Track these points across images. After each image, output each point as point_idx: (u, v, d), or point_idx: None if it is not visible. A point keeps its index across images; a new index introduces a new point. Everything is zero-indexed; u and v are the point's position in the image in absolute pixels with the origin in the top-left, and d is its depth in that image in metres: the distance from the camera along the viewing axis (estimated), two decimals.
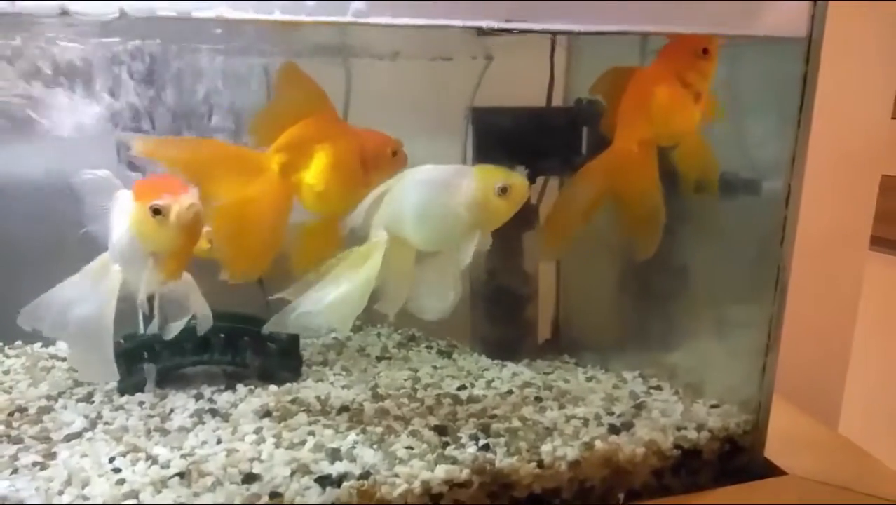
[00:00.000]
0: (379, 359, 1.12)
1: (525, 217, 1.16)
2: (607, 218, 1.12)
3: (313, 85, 0.79)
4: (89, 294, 0.77)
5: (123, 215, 0.73)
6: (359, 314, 0.77)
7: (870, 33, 1.46)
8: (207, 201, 0.72)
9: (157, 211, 0.69)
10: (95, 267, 0.79)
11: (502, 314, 1.17)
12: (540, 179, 1.17)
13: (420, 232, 0.75)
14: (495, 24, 0.67)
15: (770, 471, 0.88)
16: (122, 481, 0.74)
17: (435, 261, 0.77)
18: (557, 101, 1.16)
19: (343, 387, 0.99)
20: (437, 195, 0.74)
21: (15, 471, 0.76)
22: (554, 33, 0.90)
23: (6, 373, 1.02)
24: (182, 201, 0.68)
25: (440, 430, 0.85)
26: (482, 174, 0.73)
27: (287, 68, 0.78)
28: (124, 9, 0.60)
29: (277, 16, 0.58)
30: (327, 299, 0.74)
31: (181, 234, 0.70)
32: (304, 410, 0.91)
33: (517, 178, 0.74)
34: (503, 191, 0.72)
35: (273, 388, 0.98)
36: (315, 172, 0.77)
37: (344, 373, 1.05)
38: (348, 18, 0.59)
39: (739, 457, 0.88)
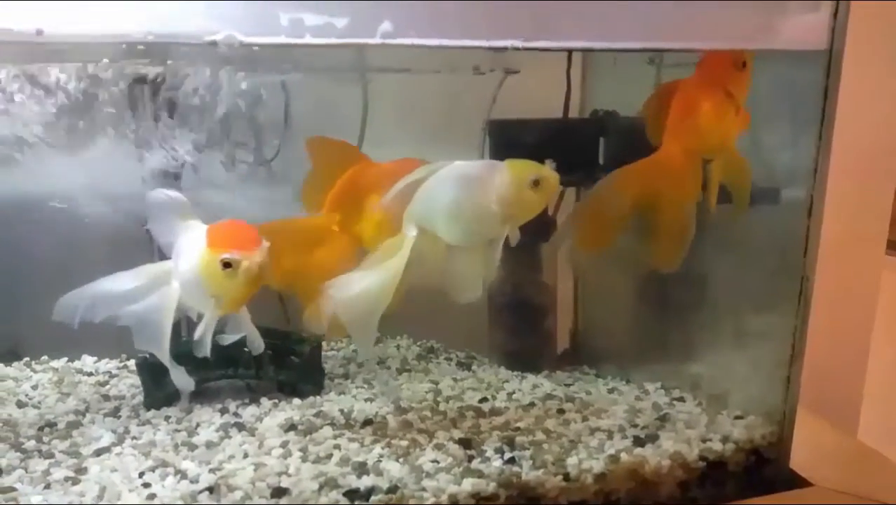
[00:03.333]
0: (399, 371, 1.13)
1: (543, 228, 1.18)
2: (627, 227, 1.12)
3: (342, 144, 0.87)
4: (144, 296, 0.79)
5: (192, 249, 0.74)
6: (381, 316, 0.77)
7: (885, 38, 1.46)
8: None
9: (227, 264, 0.70)
10: (156, 271, 0.81)
11: (521, 325, 1.18)
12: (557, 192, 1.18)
13: (452, 228, 0.76)
14: (518, 44, 0.68)
15: (795, 482, 0.87)
16: (152, 496, 0.75)
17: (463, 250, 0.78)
18: (574, 112, 1.17)
19: (366, 400, 1.00)
20: (470, 191, 0.74)
21: (48, 486, 0.77)
22: (572, 50, 0.91)
23: (34, 388, 1.04)
24: (252, 258, 0.70)
25: (465, 443, 0.86)
26: (515, 168, 0.74)
27: (313, 141, 0.86)
28: (155, 32, 0.61)
29: (308, 39, 0.59)
30: (350, 292, 0.75)
31: (246, 287, 0.72)
32: (328, 424, 0.91)
33: (548, 171, 0.74)
34: (536, 184, 0.73)
35: (297, 401, 0.99)
36: (366, 223, 0.83)
37: (366, 386, 1.06)
38: (377, 40, 0.60)
39: (765, 468, 0.88)
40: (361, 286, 0.75)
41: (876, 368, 1.66)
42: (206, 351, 0.80)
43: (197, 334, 0.78)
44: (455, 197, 0.74)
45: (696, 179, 0.85)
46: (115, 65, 0.87)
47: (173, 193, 0.78)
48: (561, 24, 0.67)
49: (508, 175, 0.73)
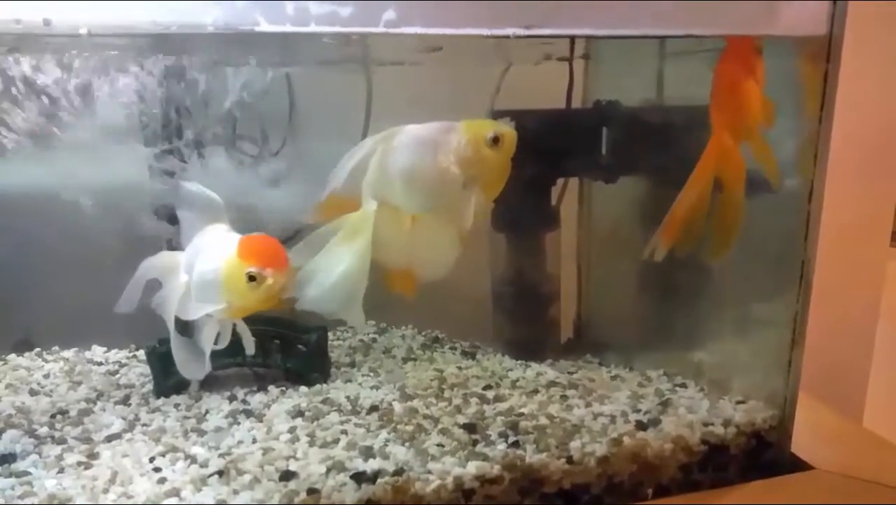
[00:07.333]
0: (405, 360, 1.14)
1: (547, 217, 1.19)
2: (629, 216, 1.13)
3: None
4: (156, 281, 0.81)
5: (218, 251, 0.75)
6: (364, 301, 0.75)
7: (889, 28, 1.46)
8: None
9: (251, 277, 0.71)
10: (167, 262, 0.82)
11: (525, 315, 1.19)
12: (560, 182, 1.19)
13: (411, 195, 0.72)
14: (520, 31, 0.68)
15: (797, 465, 0.88)
16: (163, 480, 0.76)
17: (429, 221, 0.74)
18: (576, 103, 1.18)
19: (372, 387, 1.01)
20: (426, 154, 0.70)
21: (61, 470, 0.79)
22: (575, 37, 0.92)
23: (46, 377, 1.05)
24: (277, 278, 0.71)
25: (469, 428, 0.87)
26: (471, 127, 0.71)
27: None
28: (160, 23, 0.62)
29: (313, 28, 0.60)
30: (329, 282, 0.73)
31: (261, 303, 0.73)
32: (335, 410, 0.93)
33: (506, 128, 0.71)
34: (495, 141, 0.69)
35: (303, 389, 1.00)
36: None
37: (371, 374, 1.07)
38: (380, 29, 0.61)
39: (766, 452, 0.89)
40: (334, 279, 0.73)
41: (882, 357, 1.66)
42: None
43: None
44: (412, 162, 0.71)
45: (741, 163, 0.85)
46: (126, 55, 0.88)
47: (209, 192, 0.78)
48: (562, 11, 0.68)
49: (465, 134, 0.69)
